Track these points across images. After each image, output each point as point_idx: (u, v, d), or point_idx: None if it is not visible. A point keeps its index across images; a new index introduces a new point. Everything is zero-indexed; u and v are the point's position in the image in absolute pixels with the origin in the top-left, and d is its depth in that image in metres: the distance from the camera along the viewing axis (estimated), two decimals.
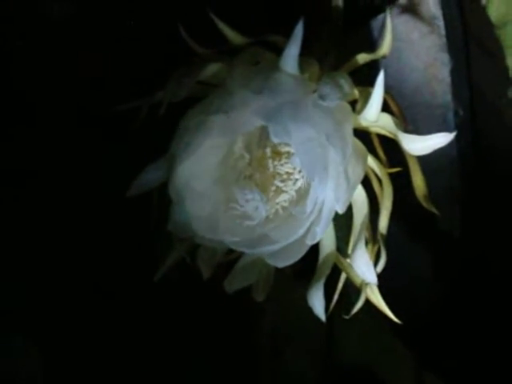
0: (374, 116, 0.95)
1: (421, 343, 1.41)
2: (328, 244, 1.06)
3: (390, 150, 1.06)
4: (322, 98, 0.94)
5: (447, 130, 1.02)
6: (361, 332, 1.38)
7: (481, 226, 1.56)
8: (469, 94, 1.51)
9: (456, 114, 1.51)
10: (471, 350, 1.49)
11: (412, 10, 1.46)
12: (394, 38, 1.47)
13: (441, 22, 1.46)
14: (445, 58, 1.49)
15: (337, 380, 1.41)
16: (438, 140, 0.94)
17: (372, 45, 1.49)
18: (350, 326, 1.37)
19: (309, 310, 1.35)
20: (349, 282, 1.13)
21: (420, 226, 1.50)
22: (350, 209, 1.03)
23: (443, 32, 1.47)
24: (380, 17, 1.44)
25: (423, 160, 1.04)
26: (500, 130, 1.52)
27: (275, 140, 0.97)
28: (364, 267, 1.00)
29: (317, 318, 1.28)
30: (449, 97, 1.51)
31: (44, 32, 1.39)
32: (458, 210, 1.56)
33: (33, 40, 1.40)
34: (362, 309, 1.09)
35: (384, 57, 0.99)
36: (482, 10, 1.44)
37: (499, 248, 1.57)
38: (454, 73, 1.49)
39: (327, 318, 1.07)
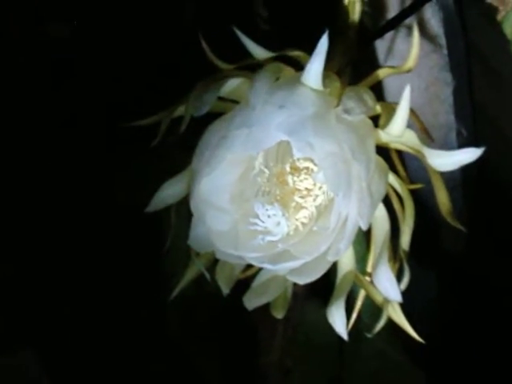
0: (399, 131, 0.94)
1: (430, 362, 1.40)
2: (347, 262, 1.05)
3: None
4: (346, 112, 0.94)
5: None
6: (371, 352, 1.37)
7: (485, 245, 1.56)
8: (472, 114, 1.51)
9: (459, 134, 1.51)
10: (479, 367, 1.49)
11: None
12: (396, 57, 1.48)
13: (443, 41, 1.46)
14: (447, 77, 1.49)
15: None
16: (466, 156, 0.93)
17: (375, 64, 1.50)
18: (360, 346, 1.36)
19: (319, 330, 1.34)
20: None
21: (425, 243, 1.50)
22: None
23: (445, 51, 1.47)
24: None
25: (426, 182, 1.04)
26: (504, 149, 1.52)
27: (298, 155, 0.96)
28: (388, 284, 0.99)
29: (326, 338, 1.27)
30: (451, 117, 1.50)
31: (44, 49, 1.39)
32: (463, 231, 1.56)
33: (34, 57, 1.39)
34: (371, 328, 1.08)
35: (409, 70, 0.98)
36: (491, 27, 1.44)
37: (503, 264, 1.57)
38: (457, 92, 1.49)
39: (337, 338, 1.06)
